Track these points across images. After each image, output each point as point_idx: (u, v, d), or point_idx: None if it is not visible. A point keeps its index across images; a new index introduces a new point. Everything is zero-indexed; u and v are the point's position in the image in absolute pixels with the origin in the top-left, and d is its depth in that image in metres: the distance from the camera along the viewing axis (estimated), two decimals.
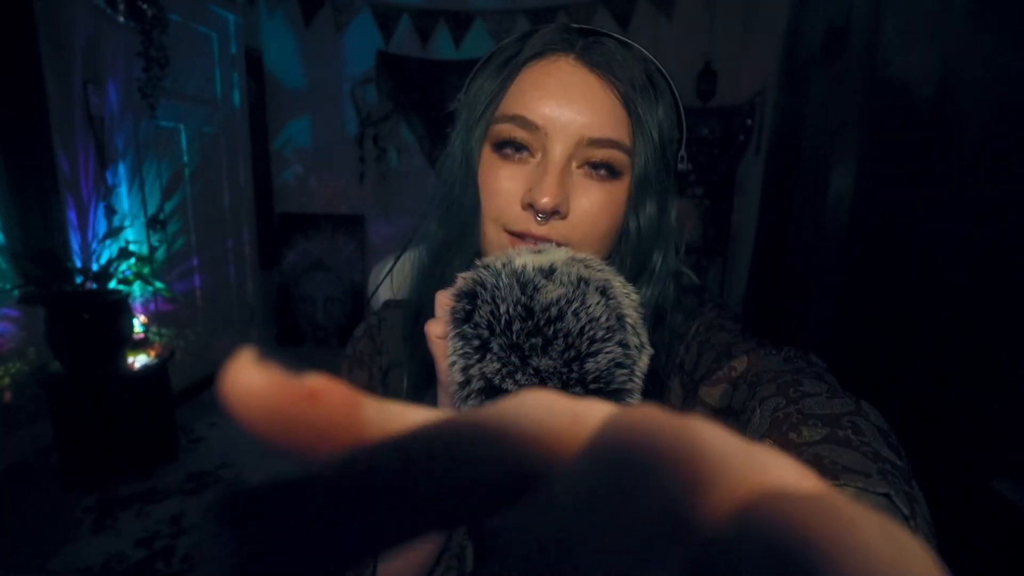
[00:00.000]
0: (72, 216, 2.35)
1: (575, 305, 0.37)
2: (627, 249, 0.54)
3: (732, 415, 0.47)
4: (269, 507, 0.10)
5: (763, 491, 0.10)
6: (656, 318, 0.54)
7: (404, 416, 0.13)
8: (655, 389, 0.54)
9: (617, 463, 0.10)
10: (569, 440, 0.11)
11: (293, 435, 0.11)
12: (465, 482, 0.11)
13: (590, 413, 0.12)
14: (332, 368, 0.69)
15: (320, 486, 0.10)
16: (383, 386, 0.63)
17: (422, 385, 0.60)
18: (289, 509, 0.10)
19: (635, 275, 0.54)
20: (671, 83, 0.55)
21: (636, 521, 0.09)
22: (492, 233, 0.53)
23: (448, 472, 0.11)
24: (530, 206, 0.49)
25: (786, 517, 0.09)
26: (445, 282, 0.51)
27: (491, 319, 0.38)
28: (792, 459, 0.11)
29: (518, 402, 0.12)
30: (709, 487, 0.10)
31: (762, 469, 0.10)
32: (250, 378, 0.11)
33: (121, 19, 2.45)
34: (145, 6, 2.42)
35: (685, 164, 0.58)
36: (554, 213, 0.49)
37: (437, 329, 0.42)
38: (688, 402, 0.52)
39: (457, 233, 0.55)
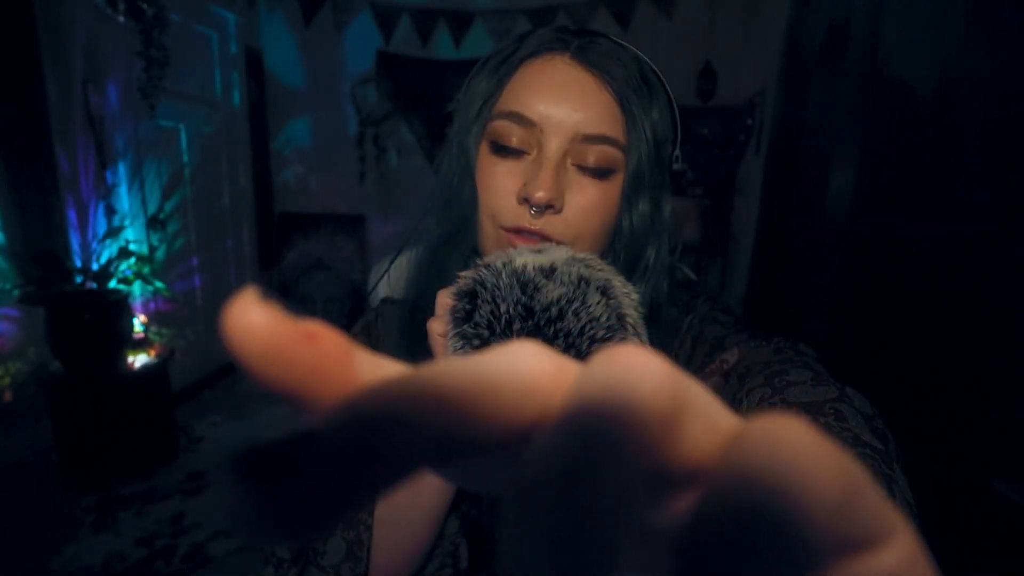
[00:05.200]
0: (72, 216, 2.34)
1: (575, 305, 0.37)
2: (621, 246, 0.55)
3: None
4: (277, 460, 0.11)
5: (750, 423, 0.10)
6: (651, 314, 0.54)
7: (394, 367, 0.13)
8: None
9: (596, 424, 0.10)
10: (552, 391, 0.12)
11: (289, 374, 0.11)
12: (454, 431, 0.11)
13: (573, 366, 0.12)
14: None
15: (320, 438, 0.11)
16: None
17: None
18: (294, 462, 0.11)
19: (629, 271, 0.54)
20: (665, 84, 0.55)
21: (622, 488, 0.10)
22: (488, 229, 0.53)
23: (436, 420, 0.11)
24: (525, 200, 0.50)
25: (774, 437, 0.10)
26: (442, 279, 0.51)
27: (491, 319, 0.38)
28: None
29: (505, 351, 0.12)
30: (689, 431, 0.10)
31: (736, 415, 0.11)
32: (252, 316, 0.11)
33: (121, 19, 2.45)
34: (145, 6, 2.42)
35: (680, 164, 0.58)
36: (548, 207, 0.50)
37: (439, 327, 0.43)
38: None
39: (454, 230, 0.56)
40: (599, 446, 0.10)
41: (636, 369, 0.11)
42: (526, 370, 0.12)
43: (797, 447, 0.10)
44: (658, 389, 0.10)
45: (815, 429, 0.10)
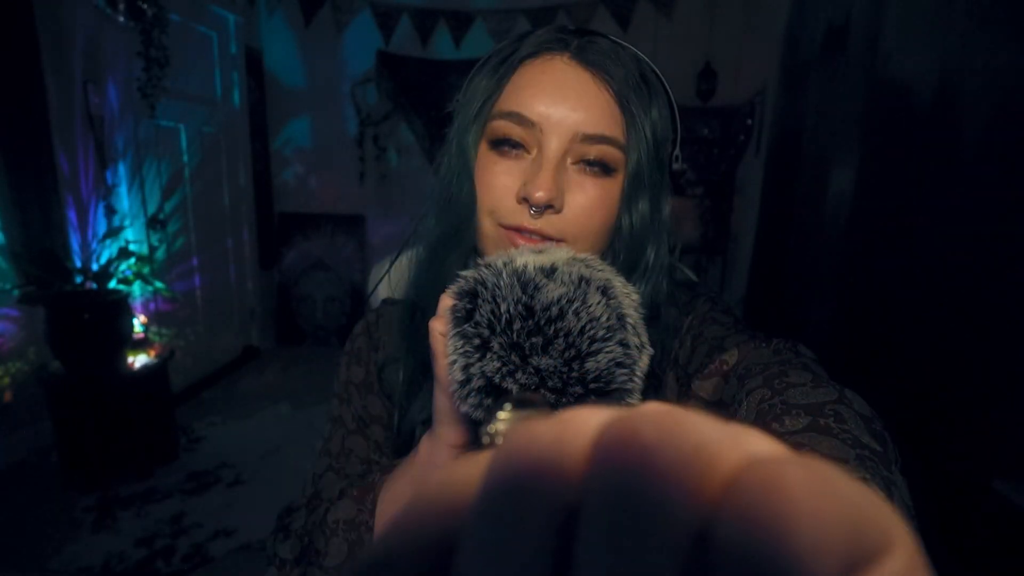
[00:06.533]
0: (72, 216, 2.35)
1: (576, 304, 0.37)
2: (620, 245, 0.55)
3: (724, 408, 0.48)
4: None
5: (744, 464, 0.11)
6: (650, 314, 0.54)
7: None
8: (650, 384, 0.54)
9: (620, 488, 0.11)
10: (571, 457, 0.12)
11: None
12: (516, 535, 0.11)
13: (572, 427, 0.12)
14: (332, 367, 0.69)
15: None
16: (379, 381, 0.64)
17: (417, 380, 0.60)
18: None
19: (628, 271, 0.54)
20: (665, 83, 0.55)
21: (653, 534, 0.10)
22: (488, 227, 0.53)
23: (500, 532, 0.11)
24: (524, 200, 0.50)
25: (769, 483, 0.10)
26: (442, 278, 0.51)
27: (492, 318, 0.38)
28: (759, 431, 0.12)
29: (509, 445, 0.12)
30: (701, 472, 0.11)
31: (743, 439, 0.11)
32: None
33: (121, 19, 2.45)
34: (145, 6, 2.43)
35: (680, 164, 0.58)
36: (548, 207, 0.50)
37: (440, 326, 0.43)
38: (682, 396, 0.53)
39: (454, 228, 0.56)
40: (639, 515, 0.10)
41: (660, 445, 0.11)
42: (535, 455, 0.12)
43: (792, 500, 0.10)
44: (690, 459, 0.11)
45: (811, 469, 0.10)
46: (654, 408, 0.12)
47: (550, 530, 0.11)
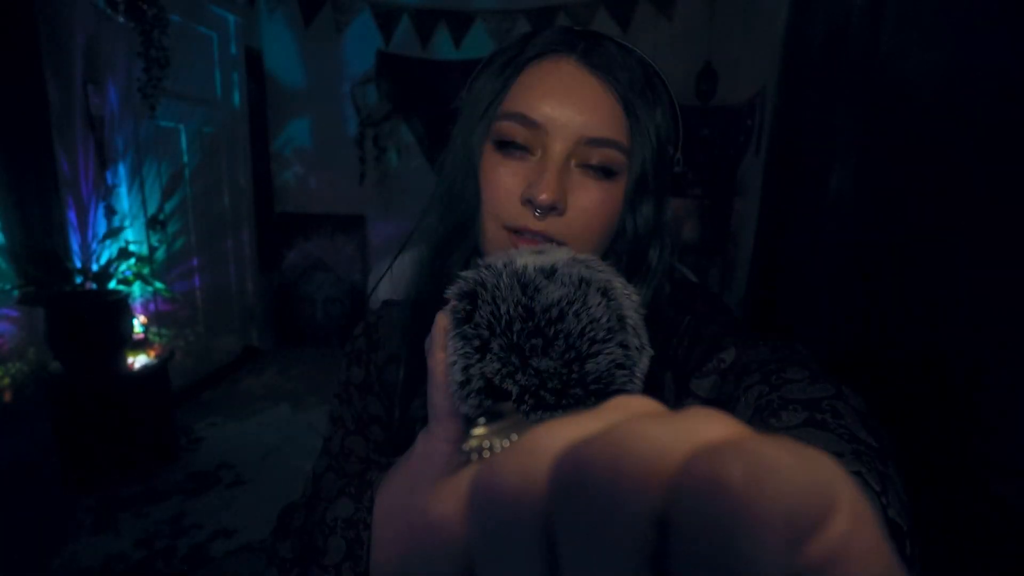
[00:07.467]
0: (72, 216, 2.35)
1: (576, 306, 0.37)
2: (623, 248, 0.55)
3: (722, 406, 0.48)
4: None
5: (689, 460, 0.11)
6: (650, 314, 0.54)
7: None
8: (649, 383, 0.54)
9: (578, 505, 0.11)
10: (535, 486, 0.12)
11: None
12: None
13: (531, 458, 0.13)
14: (332, 368, 0.69)
15: None
16: (379, 382, 0.64)
17: (418, 380, 0.60)
18: None
19: (631, 273, 0.54)
20: (668, 87, 0.55)
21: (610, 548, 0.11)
22: (491, 229, 0.53)
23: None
24: (529, 202, 0.50)
25: (707, 478, 0.10)
26: (444, 278, 0.51)
27: (491, 319, 0.38)
28: (720, 413, 0.12)
29: (481, 482, 0.13)
30: (649, 479, 0.11)
31: (692, 434, 0.11)
32: None
33: (121, 19, 2.45)
34: (145, 6, 2.42)
35: (680, 166, 0.58)
36: (552, 209, 0.50)
37: (445, 322, 0.42)
38: (680, 395, 0.53)
39: (457, 229, 0.56)
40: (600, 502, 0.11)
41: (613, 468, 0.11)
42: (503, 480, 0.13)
43: (728, 491, 0.10)
44: (636, 473, 0.11)
45: (746, 455, 0.10)
46: (610, 419, 0.13)
47: (534, 555, 0.12)
